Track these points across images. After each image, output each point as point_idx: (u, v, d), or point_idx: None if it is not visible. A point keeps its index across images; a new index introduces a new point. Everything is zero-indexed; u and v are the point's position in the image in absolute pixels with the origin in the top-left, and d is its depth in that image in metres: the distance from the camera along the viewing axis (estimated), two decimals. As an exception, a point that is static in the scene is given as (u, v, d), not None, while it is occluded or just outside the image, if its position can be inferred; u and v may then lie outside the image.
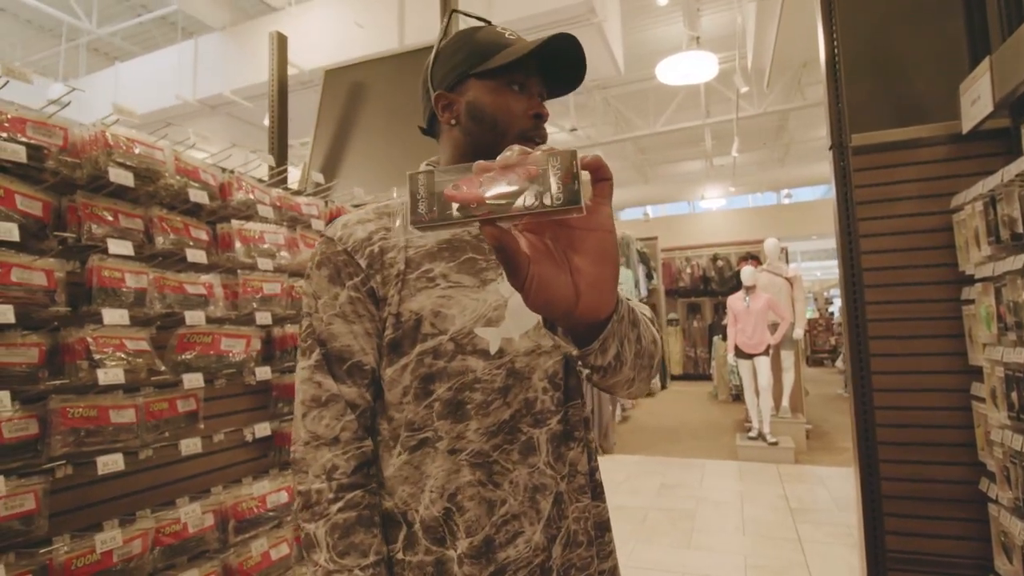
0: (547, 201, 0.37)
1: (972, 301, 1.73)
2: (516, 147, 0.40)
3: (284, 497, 1.87)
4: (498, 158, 0.40)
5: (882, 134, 1.91)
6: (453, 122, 0.79)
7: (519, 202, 0.37)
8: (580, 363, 0.57)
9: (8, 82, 1.17)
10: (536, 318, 0.76)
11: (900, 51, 1.97)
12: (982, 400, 1.69)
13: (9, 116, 1.25)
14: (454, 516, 0.72)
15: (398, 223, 0.79)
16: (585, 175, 0.40)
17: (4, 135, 1.23)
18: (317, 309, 0.76)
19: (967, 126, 1.77)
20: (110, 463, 1.34)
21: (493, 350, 0.74)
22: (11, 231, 1.18)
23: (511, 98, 0.76)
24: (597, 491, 0.83)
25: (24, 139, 1.26)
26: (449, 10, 0.83)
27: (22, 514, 1.26)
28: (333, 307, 0.75)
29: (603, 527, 0.82)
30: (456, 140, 0.79)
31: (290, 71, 5.91)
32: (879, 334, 1.86)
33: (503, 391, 0.74)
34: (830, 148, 1.96)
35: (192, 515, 1.56)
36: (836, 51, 1.94)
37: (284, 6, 6.90)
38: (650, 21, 7.35)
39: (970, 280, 1.74)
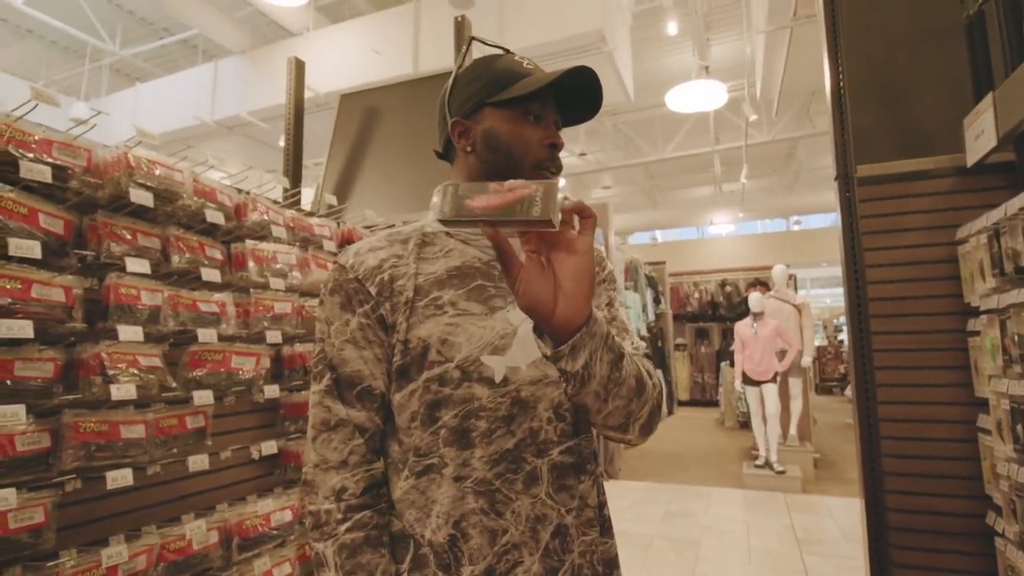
0: (532, 215, 0.53)
1: (978, 333, 1.72)
2: (520, 180, 0.56)
3: (288, 516, 1.87)
4: (505, 183, 0.55)
5: (887, 165, 1.93)
6: (469, 149, 0.80)
7: (513, 214, 0.53)
8: (556, 367, 0.65)
9: (37, 105, 1.22)
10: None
11: (905, 83, 2.00)
12: (988, 432, 1.67)
13: (36, 138, 1.30)
14: (459, 543, 0.72)
15: (411, 246, 0.81)
16: (563, 202, 0.55)
17: (31, 156, 1.28)
18: (329, 335, 0.78)
19: (971, 160, 1.78)
20: (119, 478, 1.36)
21: (498, 378, 0.74)
22: (34, 248, 1.22)
23: (527, 128, 0.78)
24: (605, 526, 0.83)
25: (50, 160, 1.31)
26: (468, 38, 0.86)
27: (31, 527, 1.28)
28: (344, 333, 0.77)
29: (611, 564, 0.82)
30: (471, 166, 0.81)
31: (306, 94, 6.06)
32: (885, 364, 1.85)
33: (507, 420, 0.74)
34: (836, 178, 1.98)
35: (197, 532, 1.57)
36: (841, 82, 1.97)
37: (302, 31, 7.10)
38: (660, 51, 7.48)
39: (975, 312, 1.74)
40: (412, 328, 0.75)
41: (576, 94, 0.81)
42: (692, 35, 6.12)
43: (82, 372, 1.40)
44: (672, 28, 5.74)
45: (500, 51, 0.84)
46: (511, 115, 0.78)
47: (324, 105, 6.21)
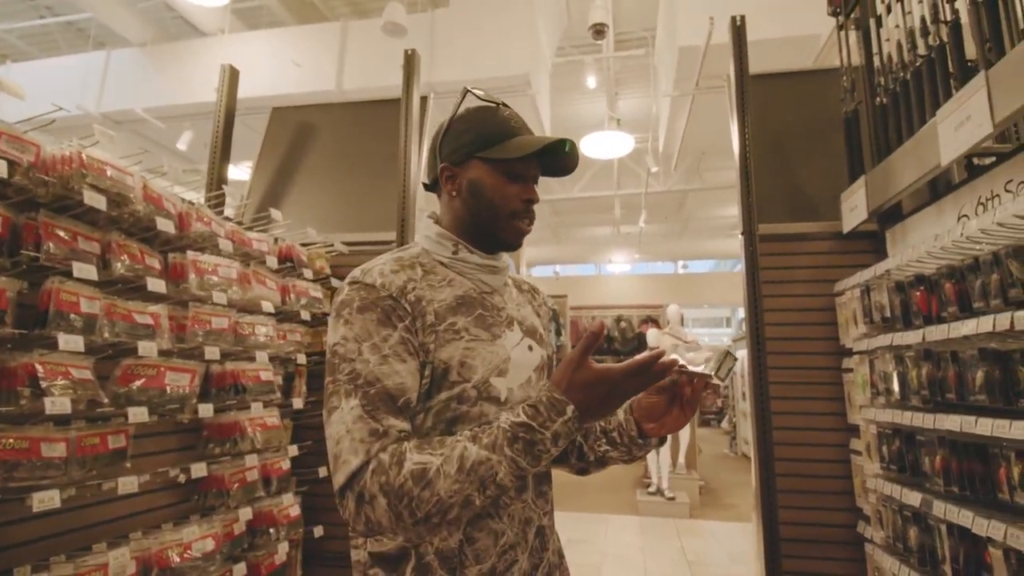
0: (708, 371, 0.84)
1: (851, 370, 2.08)
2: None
3: (211, 544, 1.77)
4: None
5: (782, 226, 2.29)
6: (454, 193, 0.89)
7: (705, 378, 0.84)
8: (626, 444, 0.93)
9: (-3, 96, 1.14)
10: (527, 374, 0.89)
11: (798, 158, 2.39)
12: (859, 453, 2.01)
13: (-18, 129, 1.20)
14: (465, 546, 0.79)
15: (419, 272, 0.86)
16: (730, 373, 0.89)
17: (-23, 147, 1.18)
18: (361, 351, 0.76)
19: (847, 227, 2.17)
20: (46, 499, 1.24)
21: (503, 397, 0.84)
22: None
23: (509, 184, 0.87)
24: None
25: (-1, 153, 1.22)
26: (463, 90, 0.94)
27: (-70, 557, 1.14)
28: (383, 348, 0.77)
29: (561, 554, 0.97)
30: (456, 210, 0.90)
31: (212, 96, 5.76)
32: (778, 395, 2.16)
33: None
34: (741, 233, 2.30)
35: (118, 561, 1.45)
36: (748, 152, 2.31)
37: (215, 32, 6.76)
38: (576, 97, 8.01)
39: (849, 352, 2.10)
40: (435, 350, 0.80)
41: (556, 158, 0.90)
42: (604, 88, 6.65)
43: (5, 383, 1.28)
44: (592, 82, 6.20)
45: (492, 104, 0.92)
46: (496, 171, 0.87)
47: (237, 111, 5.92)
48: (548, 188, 10.22)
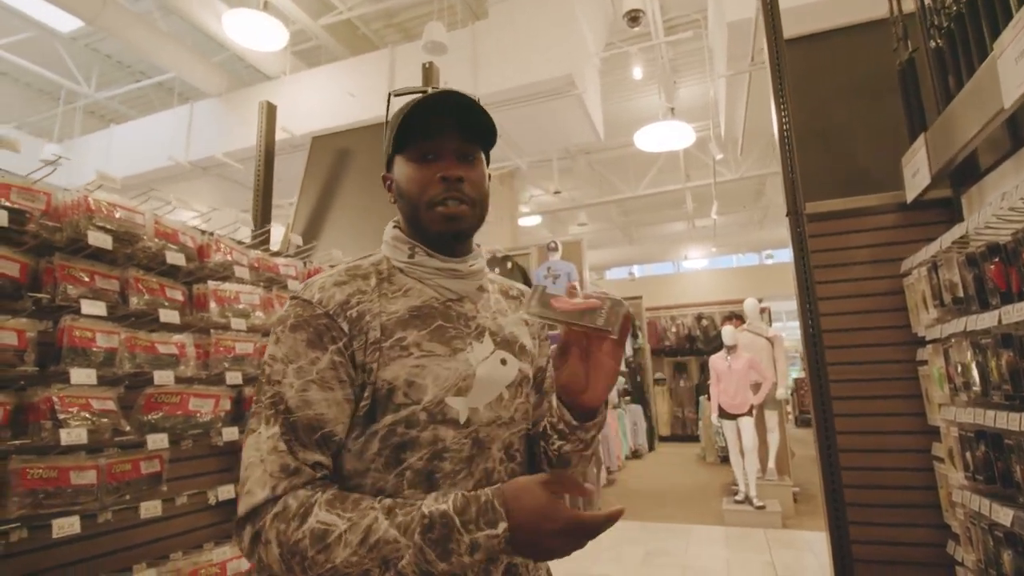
0: (599, 324, 0.67)
1: (925, 362, 1.78)
2: (599, 291, 0.71)
3: (245, 565, 1.81)
4: (583, 291, 0.70)
5: (833, 203, 2.03)
6: (393, 199, 0.84)
7: (583, 320, 0.68)
8: (568, 433, 0.78)
9: (-4, 152, 1.23)
10: (498, 391, 0.79)
11: (847, 125, 2.12)
12: (942, 460, 1.71)
13: (-6, 182, 1.31)
14: None
15: (373, 282, 0.79)
16: (622, 317, 0.68)
17: (-12, 200, 1.28)
18: (287, 374, 0.71)
19: (910, 196, 1.88)
20: (66, 526, 1.31)
21: (463, 419, 0.75)
22: (-15, 292, 1.21)
23: (421, 170, 0.79)
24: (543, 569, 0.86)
25: (7, 204, 1.31)
26: (388, 96, 0.88)
27: (-33, 582, 1.22)
28: (309, 373, 0.71)
29: None
30: (401, 213, 0.84)
31: (281, 135, 6.12)
32: (841, 394, 1.90)
33: (469, 460, 0.75)
34: (787, 215, 2.06)
35: (148, 583, 1.51)
36: (786, 125, 2.07)
37: (278, 75, 7.22)
38: (629, 93, 7.78)
39: (922, 341, 1.81)
40: (378, 369, 0.73)
41: (469, 117, 0.80)
42: (659, 78, 6.38)
43: (32, 416, 1.37)
44: (638, 73, 5.98)
45: (418, 95, 0.82)
46: (410, 160, 0.80)
47: (300, 146, 6.28)
48: (613, 188, 9.99)
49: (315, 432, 0.70)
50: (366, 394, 0.73)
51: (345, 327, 0.73)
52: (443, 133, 0.79)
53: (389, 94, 0.87)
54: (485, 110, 0.80)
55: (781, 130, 2.08)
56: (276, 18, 5.03)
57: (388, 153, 0.84)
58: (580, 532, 0.63)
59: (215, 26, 5.87)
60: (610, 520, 0.64)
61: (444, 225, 0.79)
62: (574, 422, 0.77)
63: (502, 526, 0.61)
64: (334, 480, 0.73)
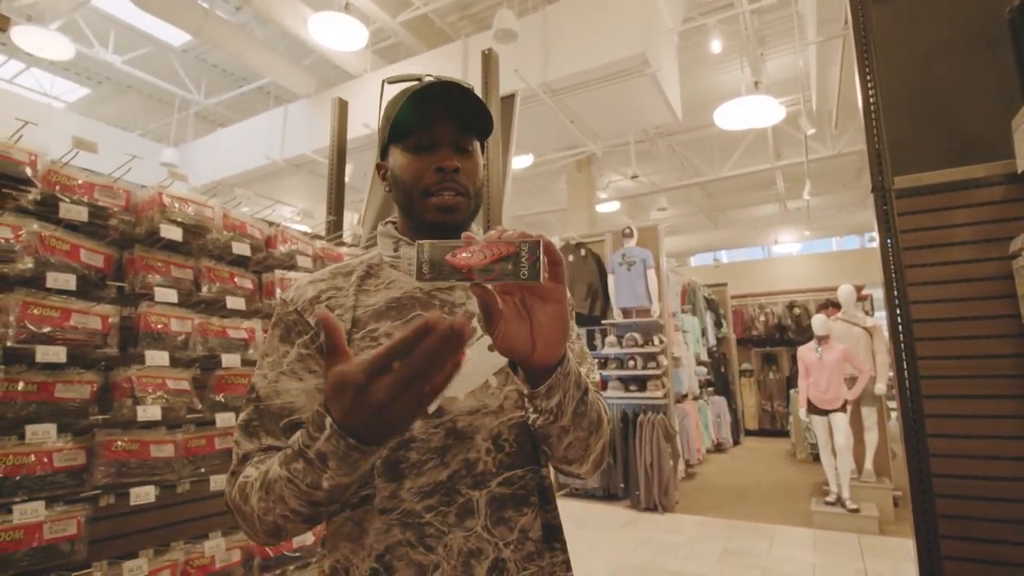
0: (519, 275, 0.52)
1: (1040, 357, 1.54)
2: (499, 228, 0.55)
3: (311, 538, 1.92)
4: (483, 236, 0.54)
5: (928, 175, 1.80)
6: (387, 189, 0.84)
7: (496, 273, 0.52)
8: (529, 404, 0.67)
9: (78, 152, 1.36)
10: (483, 378, 0.77)
11: (946, 87, 1.86)
12: (1058, 471, 1.48)
13: (80, 182, 1.45)
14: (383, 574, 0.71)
15: (354, 278, 0.82)
16: (543, 257, 0.53)
17: (74, 197, 1.43)
18: (263, 367, 0.77)
19: (1022, 165, 1.63)
20: (142, 495, 1.45)
21: (431, 409, 0.72)
22: (69, 281, 1.35)
23: (416, 160, 0.78)
24: (557, 561, 0.79)
25: (89, 201, 1.45)
26: (382, 83, 0.87)
27: (65, 538, 1.38)
28: (280, 365, 0.76)
29: None
30: (396, 203, 0.84)
31: (363, 131, 6.36)
32: (934, 392, 1.69)
33: (440, 451, 0.74)
34: (872, 191, 1.86)
35: (218, 550, 1.64)
36: (871, 90, 1.86)
37: (361, 73, 7.52)
38: (709, 70, 7.35)
39: (1037, 333, 1.57)
40: None
41: (465, 104, 0.79)
42: (743, 50, 5.98)
43: (116, 394, 1.52)
44: (716, 47, 5.63)
45: (414, 83, 0.82)
46: (406, 150, 0.80)
47: (380, 141, 6.51)
48: (696, 170, 9.55)
49: (280, 419, 0.73)
50: None
51: (311, 322, 0.77)
52: (439, 123, 0.79)
53: (383, 82, 0.86)
54: (481, 100, 0.79)
55: (865, 95, 1.87)
56: (356, 18, 5.23)
57: (383, 142, 0.84)
58: (383, 375, 0.53)
59: (302, 30, 6.20)
60: (414, 338, 0.50)
61: (438, 215, 0.79)
62: (525, 390, 0.65)
63: (327, 423, 0.56)
64: None
